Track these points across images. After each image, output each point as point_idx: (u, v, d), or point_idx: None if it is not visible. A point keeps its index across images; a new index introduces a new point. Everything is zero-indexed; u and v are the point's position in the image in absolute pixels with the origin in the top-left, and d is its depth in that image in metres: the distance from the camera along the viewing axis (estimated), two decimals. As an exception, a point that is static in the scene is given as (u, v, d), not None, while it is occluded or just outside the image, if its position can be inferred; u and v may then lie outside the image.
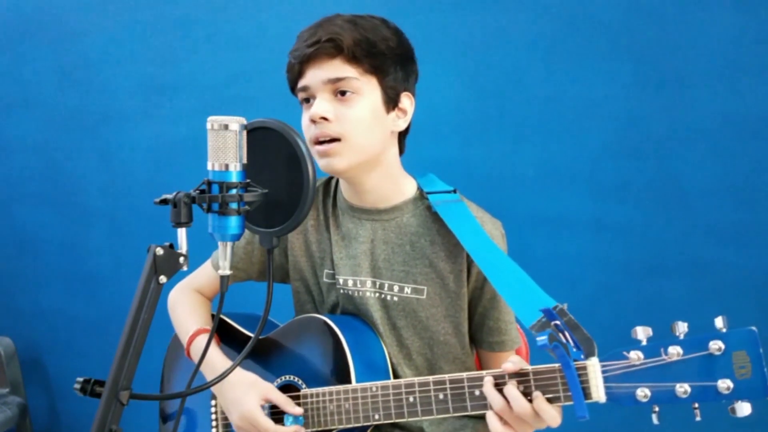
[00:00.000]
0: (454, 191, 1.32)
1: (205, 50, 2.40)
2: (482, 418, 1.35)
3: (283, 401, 1.24)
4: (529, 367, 1.04)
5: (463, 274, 1.27)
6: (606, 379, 0.97)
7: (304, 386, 1.27)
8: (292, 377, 1.30)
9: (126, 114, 2.55)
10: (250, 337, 1.38)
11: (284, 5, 2.25)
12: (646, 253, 1.91)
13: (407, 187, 1.32)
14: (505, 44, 1.99)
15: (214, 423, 1.39)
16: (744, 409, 0.89)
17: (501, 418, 1.04)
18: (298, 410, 1.24)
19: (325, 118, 1.19)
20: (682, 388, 0.92)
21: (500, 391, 1.04)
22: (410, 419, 1.16)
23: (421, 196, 1.32)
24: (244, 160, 0.92)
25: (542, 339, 0.97)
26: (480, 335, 1.33)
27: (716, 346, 0.90)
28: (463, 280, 1.28)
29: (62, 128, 2.68)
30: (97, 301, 2.71)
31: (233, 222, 0.92)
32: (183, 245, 0.88)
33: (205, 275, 1.46)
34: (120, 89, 2.55)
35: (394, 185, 1.31)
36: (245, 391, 1.25)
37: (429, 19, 2.06)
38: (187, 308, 1.43)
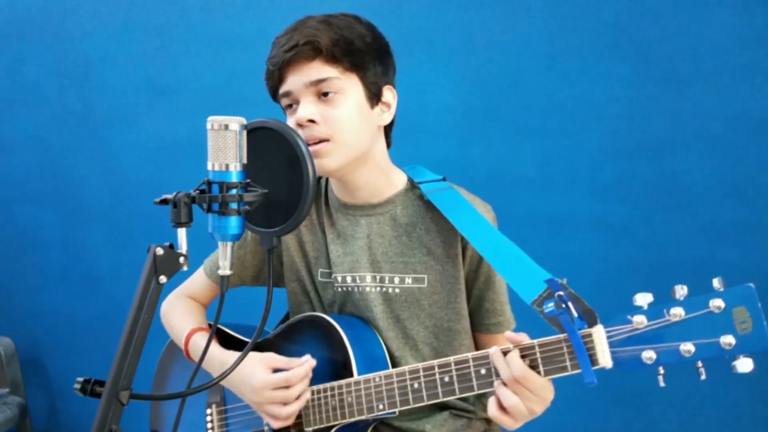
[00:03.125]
0: (444, 179, 1.33)
1: (205, 50, 2.40)
2: (484, 418, 1.37)
3: (287, 361, 1.23)
4: (534, 341, 1.05)
5: (458, 257, 1.28)
6: (611, 344, 0.99)
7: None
8: None
9: (126, 114, 2.55)
10: (246, 342, 1.38)
11: (284, 5, 2.25)
12: (646, 252, 1.91)
13: (397, 180, 1.33)
14: (505, 44, 1.99)
15: (209, 428, 1.38)
16: (746, 365, 0.92)
17: (509, 388, 1.05)
18: (306, 357, 1.22)
19: (312, 121, 1.19)
20: (686, 347, 0.94)
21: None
22: (415, 405, 1.15)
23: (412, 186, 1.33)
24: (244, 160, 0.92)
25: (550, 306, 1.01)
26: (477, 318, 1.34)
27: (716, 303, 0.93)
28: (459, 264, 1.29)
29: (62, 128, 2.68)
30: (97, 301, 2.71)
31: (233, 222, 0.92)
32: (183, 245, 0.88)
33: (199, 283, 1.45)
34: (120, 89, 2.55)
35: (385, 178, 1.31)
36: (249, 367, 1.23)
37: (429, 19, 2.06)
38: (181, 312, 1.41)
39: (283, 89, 1.23)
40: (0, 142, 2.81)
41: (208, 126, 0.91)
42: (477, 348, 1.40)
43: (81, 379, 0.86)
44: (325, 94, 1.20)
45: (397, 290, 1.30)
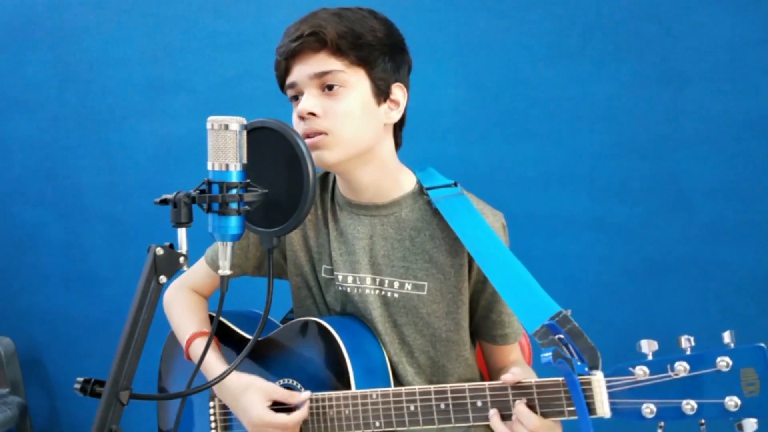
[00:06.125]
0: (455, 184, 1.30)
1: (205, 50, 2.40)
2: (484, 425, 1.36)
3: (287, 396, 1.22)
4: (532, 380, 1.03)
5: (464, 268, 1.26)
6: (611, 395, 0.96)
7: (302, 390, 1.26)
8: (290, 381, 1.29)
9: (126, 114, 2.55)
10: (248, 339, 1.37)
11: (284, 5, 2.25)
12: (646, 252, 1.91)
13: (405, 182, 1.30)
14: (505, 44, 1.99)
15: (213, 424, 1.39)
16: (750, 425, 0.88)
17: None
18: (305, 395, 1.21)
19: (312, 114, 1.17)
20: (689, 405, 0.90)
21: (504, 417, 1.05)
22: (412, 428, 1.14)
23: (421, 191, 1.30)
24: (244, 160, 0.92)
25: (546, 356, 0.96)
26: (483, 329, 1.33)
27: (724, 362, 0.88)
28: (465, 275, 1.26)
29: (62, 128, 2.68)
30: (97, 301, 2.71)
31: (233, 222, 0.92)
32: (183, 245, 0.88)
33: (201, 273, 1.43)
34: (120, 89, 2.55)
35: (391, 179, 1.29)
36: (248, 396, 1.23)
37: (429, 19, 2.06)
38: (184, 310, 1.41)
39: (289, 80, 1.21)
40: (0, 142, 2.82)
41: (208, 126, 0.91)
42: (484, 356, 1.39)
43: (81, 379, 0.86)
44: (330, 87, 1.17)
45: (396, 295, 1.28)
